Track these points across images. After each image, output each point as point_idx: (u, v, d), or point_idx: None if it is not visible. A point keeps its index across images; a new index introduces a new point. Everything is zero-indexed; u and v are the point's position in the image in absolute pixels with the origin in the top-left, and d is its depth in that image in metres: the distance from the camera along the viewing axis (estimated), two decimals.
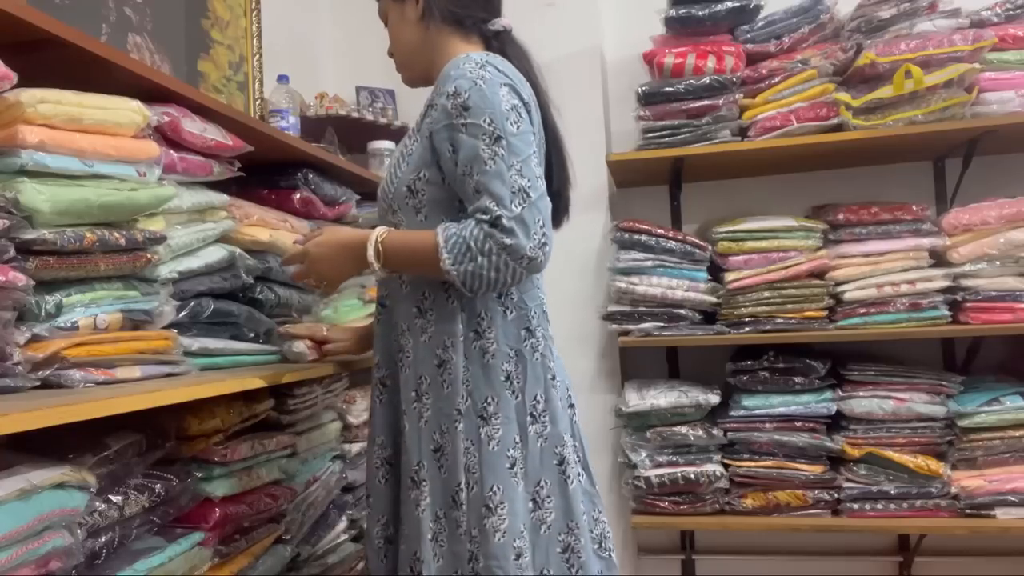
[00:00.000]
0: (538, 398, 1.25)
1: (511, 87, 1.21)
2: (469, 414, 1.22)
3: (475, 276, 1.13)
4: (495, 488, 1.20)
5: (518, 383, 1.24)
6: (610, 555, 1.32)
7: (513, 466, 1.21)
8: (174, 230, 1.26)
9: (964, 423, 2.01)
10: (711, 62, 2.14)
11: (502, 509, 1.19)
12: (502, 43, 1.35)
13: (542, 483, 1.24)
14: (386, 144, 2.21)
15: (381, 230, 1.23)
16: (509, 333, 1.25)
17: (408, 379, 1.28)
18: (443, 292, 1.25)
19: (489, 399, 1.22)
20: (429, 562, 1.21)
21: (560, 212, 1.36)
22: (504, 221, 1.10)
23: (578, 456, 1.31)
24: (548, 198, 1.17)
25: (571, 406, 1.33)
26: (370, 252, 1.21)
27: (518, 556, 1.20)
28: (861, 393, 2.08)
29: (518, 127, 1.17)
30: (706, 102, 2.15)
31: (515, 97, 1.20)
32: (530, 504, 1.23)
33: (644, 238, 2.15)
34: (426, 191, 1.24)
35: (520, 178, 1.13)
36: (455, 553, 1.21)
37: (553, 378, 1.28)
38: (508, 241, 1.10)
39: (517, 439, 1.23)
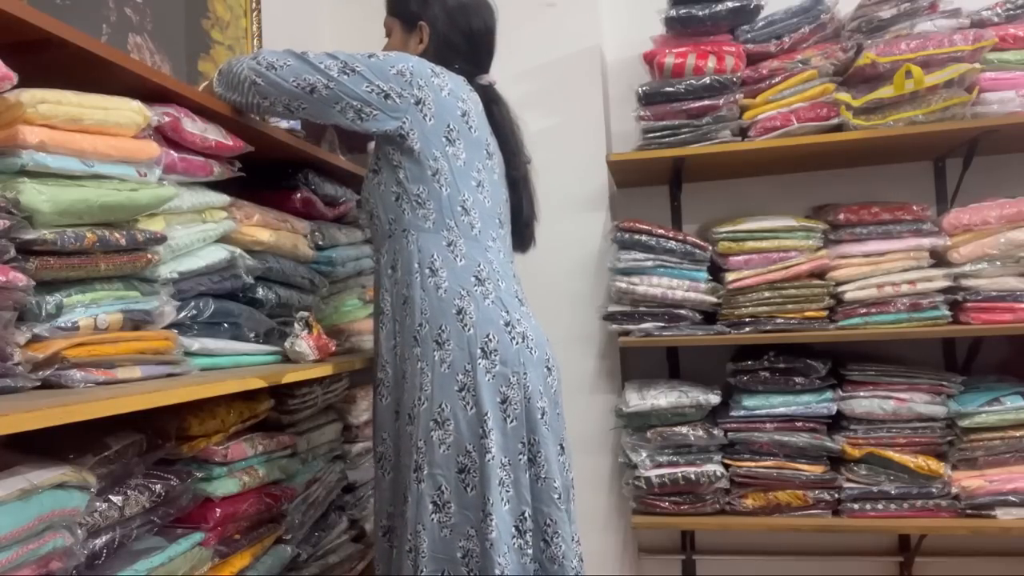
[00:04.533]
0: (491, 336, 1.37)
1: (396, 57, 1.42)
2: (426, 339, 1.38)
3: (224, 74, 1.44)
4: (443, 405, 1.34)
5: (470, 319, 1.38)
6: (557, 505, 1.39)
7: (463, 390, 1.35)
8: (174, 230, 1.26)
9: (965, 423, 2.01)
10: (711, 62, 2.14)
11: (449, 425, 1.34)
12: (486, 95, 1.55)
13: (488, 415, 1.33)
14: None
15: None
16: (460, 277, 1.41)
17: (388, 332, 1.47)
18: (404, 239, 1.44)
19: (443, 327, 1.38)
20: (380, 479, 1.43)
21: (527, 240, 1.63)
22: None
23: (543, 413, 1.39)
24: (315, 74, 1.37)
25: (546, 368, 1.43)
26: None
27: (461, 471, 1.32)
28: (861, 393, 2.08)
29: (356, 53, 1.40)
30: (706, 102, 2.15)
31: (387, 59, 1.40)
32: (480, 430, 1.33)
33: (644, 238, 2.15)
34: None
35: (311, 54, 1.39)
36: (406, 464, 1.37)
37: (508, 325, 1.39)
38: (254, 53, 1.43)
39: (468, 367, 1.36)
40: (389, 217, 1.47)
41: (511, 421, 1.36)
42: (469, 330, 1.37)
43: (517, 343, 1.39)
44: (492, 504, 1.30)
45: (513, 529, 1.33)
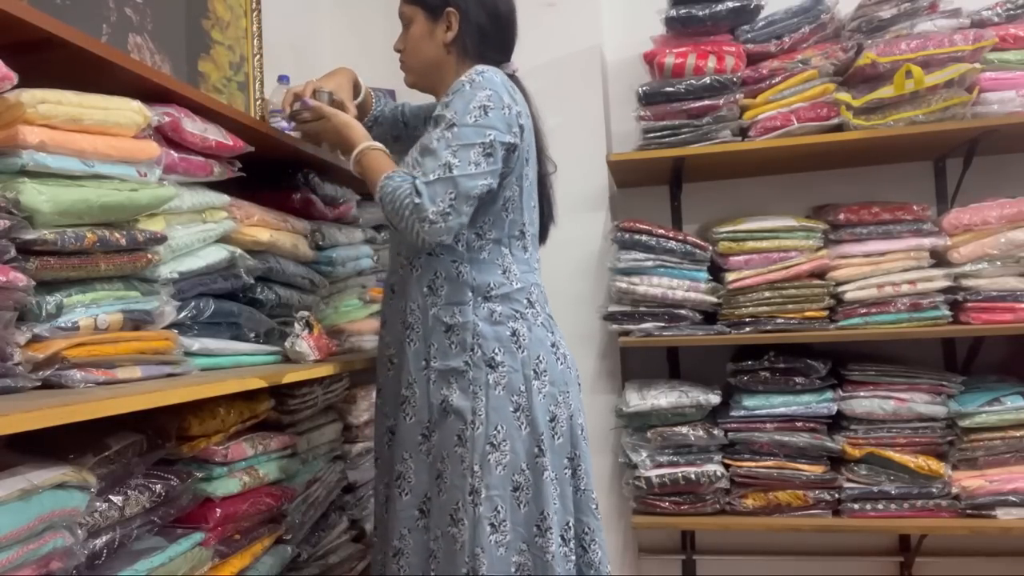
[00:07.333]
0: (540, 358, 1.40)
1: (495, 92, 1.35)
2: (479, 364, 1.37)
3: (391, 218, 1.33)
4: (499, 427, 1.34)
5: (524, 340, 1.39)
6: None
7: (518, 410, 1.36)
8: (174, 230, 1.26)
9: (965, 423, 2.01)
10: (712, 62, 2.14)
11: (505, 446, 1.34)
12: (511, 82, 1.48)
13: (543, 434, 1.36)
14: None
15: (367, 145, 1.40)
16: (514, 301, 1.41)
17: (418, 351, 1.43)
18: (454, 270, 1.41)
19: (497, 350, 1.37)
20: (434, 497, 1.38)
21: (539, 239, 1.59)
22: (418, 184, 1.29)
23: (582, 429, 1.45)
24: (477, 181, 1.31)
25: (578, 384, 1.49)
26: (352, 156, 1.41)
27: (516, 489, 1.34)
28: (862, 393, 2.08)
29: (474, 119, 1.32)
30: (707, 102, 2.15)
31: (494, 99, 1.34)
32: (535, 449, 1.36)
33: (645, 238, 2.15)
34: None
35: (452, 156, 1.30)
36: (457, 487, 1.35)
37: (554, 346, 1.43)
38: (416, 201, 1.28)
39: (522, 388, 1.37)
40: None
41: (558, 438, 1.40)
42: (523, 352, 1.38)
43: (561, 363, 1.43)
44: (551, 519, 1.34)
45: (559, 539, 1.36)
